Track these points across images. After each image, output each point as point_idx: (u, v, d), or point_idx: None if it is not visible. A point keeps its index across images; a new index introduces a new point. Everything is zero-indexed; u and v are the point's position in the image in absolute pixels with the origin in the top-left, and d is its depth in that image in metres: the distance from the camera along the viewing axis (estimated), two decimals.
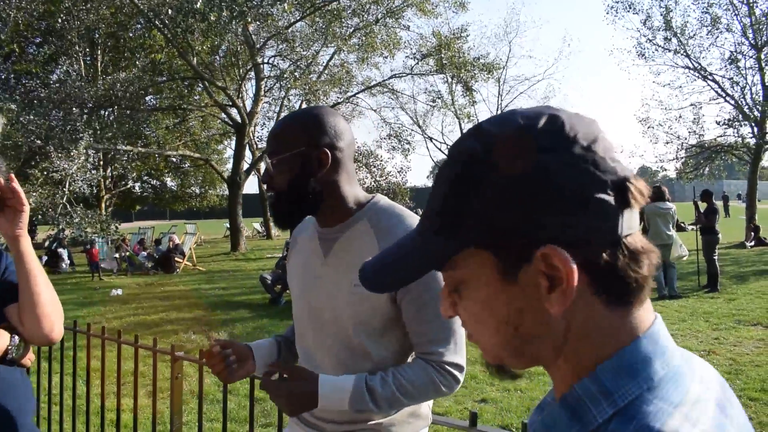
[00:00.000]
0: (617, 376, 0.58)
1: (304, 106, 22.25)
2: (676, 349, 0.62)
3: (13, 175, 1.61)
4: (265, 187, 1.53)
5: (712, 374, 0.64)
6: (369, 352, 1.46)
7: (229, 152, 29.25)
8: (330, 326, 1.50)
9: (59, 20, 17.89)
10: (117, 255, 16.36)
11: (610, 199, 0.57)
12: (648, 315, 0.62)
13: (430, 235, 0.64)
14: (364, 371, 1.45)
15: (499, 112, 29.75)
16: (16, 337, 1.66)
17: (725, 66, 20.29)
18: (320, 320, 1.51)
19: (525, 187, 0.57)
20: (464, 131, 0.64)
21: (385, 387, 1.40)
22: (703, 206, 10.66)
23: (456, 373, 1.43)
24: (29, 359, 1.74)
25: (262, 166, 1.54)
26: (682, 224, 10.26)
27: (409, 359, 1.51)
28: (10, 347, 1.64)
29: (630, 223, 0.59)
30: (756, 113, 19.57)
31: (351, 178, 1.50)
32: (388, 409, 1.43)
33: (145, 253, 16.85)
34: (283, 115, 23.09)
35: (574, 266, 0.56)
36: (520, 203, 0.57)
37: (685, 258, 9.71)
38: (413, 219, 1.48)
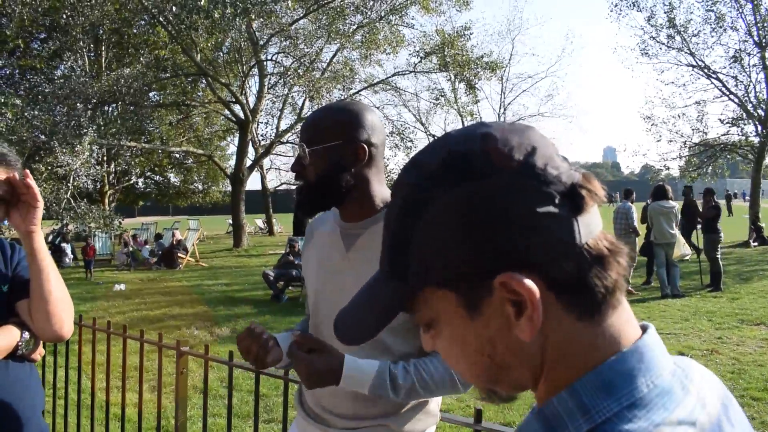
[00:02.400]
0: (596, 392, 0.55)
1: (307, 103, 22.27)
2: (668, 365, 0.58)
3: (28, 171, 1.63)
4: (294, 174, 1.52)
5: (712, 388, 0.61)
6: (389, 347, 1.47)
7: (232, 148, 29.29)
8: None
9: (64, 16, 17.90)
10: (125, 250, 16.39)
11: (558, 210, 0.54)
12: (633, 326, 0.59)
13: (384, 281, 0.63)
14: (383, 357, 1.46)
15: (502, 110, 29.74)
16: (26, 333, 1.67)
17: (729, 64, 20.24)
18: (336, 312, 1.51)
19: (467, 218, 0.55)
20: (404, 165, 0.62)
21: (407, 377, 1.41)
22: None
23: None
24: (39, 354, 1.75)
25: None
26: (685, 224, 10.22)
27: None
28: (20, 343, 1.65)
29: (589, 228, 0.56)
30: (760, 112, 19.52)
31: (381, 176, 1.52)
32: (404, 398, 1.44)
33: (148, 248, 16.89)
34: (286, 111, 23.22)
35: (535, 289, 0.54)
36: (466, 235, 0.55)
37: (688, 257, 9.70)
38: None
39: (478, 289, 0.56)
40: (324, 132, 1.46)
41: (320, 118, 1.48)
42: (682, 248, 9.49)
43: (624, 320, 0.58)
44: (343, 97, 22.66)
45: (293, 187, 1.54)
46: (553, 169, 0.56)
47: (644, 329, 0.60)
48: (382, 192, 1.52)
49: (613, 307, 0.57)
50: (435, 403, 1.59)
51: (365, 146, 1.46)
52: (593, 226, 0.57)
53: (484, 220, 0.54)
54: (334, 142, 1.45)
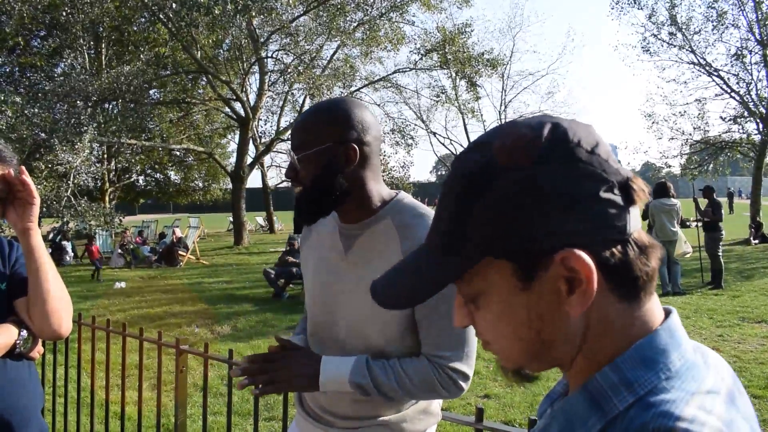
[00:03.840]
0: (637, 367, 0.60)
1: (308, 100, 22.25)
2: (689, 341, 0.64)
3: (24, 168, 1.61)
4: (290, 182, 1.50)
5: (724, 366, 0.67)
6: (384, 350, 1.45)
7: (233, 146, 29.26)
8: (345, 322, 1.48)
9: (63, 13, 17.89)
10: (120, 251, 16.37)
11: (617, 198, 0.60)
12: (660, 309, 0.65)
13: (440, 253, 0.65)
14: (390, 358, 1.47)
15: (503, 107, 29.72)
16: (25, 331, 1.66)
17: (731, 62, 20.21)
18: (336, 314, 1.50)
19: (537, 197, 0.59)
20: (466, 146, 0.65)
21: (386, 372, 1.40)
22: (703, 203, 10.62)
23: (458, 379, 1.40)
24: (38, 352, 1.74)
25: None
26: (688, 222, 10.21)
27: None
28: (18, 341, 1.64)
29: (636, 221, 0.62)
30: (761, 109, 19.49)
31: (376, 174, 1.48)
32: (386, 394, 1.42)
33: (148, 247, 16.89)
34: (287, 109, 23.21)
35: (593, 266, 0.58)
36: (535, 212, 0.59)
37: (689, 255, 9.69)
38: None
39: (536, 262, 0.60)
40: (312, 136, 1.41)
41: (308, 122, 1.43)
42: (683, 245, 9.47)
43: (655, 304, 0.64)
44: (343, 94, 22.67)
45: (293, 185, 1.52)
46: (613, 162, 0.61)
47: (668, 312, 0.66)
48: (379, 190, 1.48)
49: (650, 294, 0.63)
50: (436, 403, 1.58)
51: (356, 146, 1.41)
52: (638, 221, 0.62)
53: (553, 201, 0.59)
54: (324, 145, 1.40)
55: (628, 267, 0.60)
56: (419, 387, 1.40)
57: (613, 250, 0.60)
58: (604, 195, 0.59)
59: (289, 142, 1.49)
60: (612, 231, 0.60)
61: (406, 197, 1.52)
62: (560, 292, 0.60)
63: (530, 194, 0.59)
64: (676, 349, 0.61)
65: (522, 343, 0.64)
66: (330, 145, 1.40)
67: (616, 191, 0.60)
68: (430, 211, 1.48)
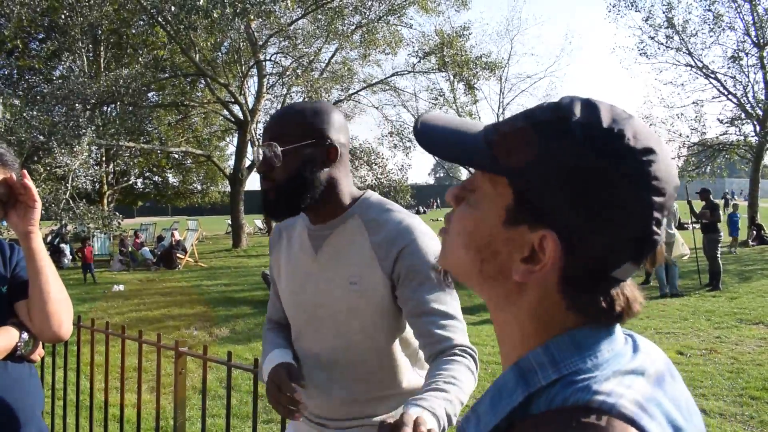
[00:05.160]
0: (566, 350, 0.62)
1: None
2: (622, 336, 0.66)
3: (25, 172, 1.62)
4: (260, 171, 1.44)
5: (658, 354, 0.69)
6: (369, 345, 1.46)
7: (231, 149, 29.24)
8: (326, 322, 1.48)
9: (62, 16, 17.89)
10: (120, 255, 16.35)
11: (628, 244, 0.60)
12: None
13: (487, 141, 0.66)
14: (365, 363, 1.46)
15: (501, 110, 29.69)
16: (25, 333, 1.67)
17: (727, 64, 20.26)
18: (316, 317, 1.50)
19: (584, 182, 0.59)
20: (572, 97, 0.64)
21: (448, 400, 1.25)
22: (698, 205, 10.63)
23: (472, 353, 1.38)
24: (39, 354, 1.74)
25: (259, 153, 1.42)
26: (686, 224, 10.22)
27: (419, 355, 1.51)
28: (19, 344, 1.65)
29: (625, 274, 0.62)
30: (758, 111, 19.54)
31: (348, 175, 1.49)
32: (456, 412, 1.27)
33: (147, 249, 16.88)
34: None
35: (555, 263, 0.61)
36: (570, 187, 0.59)
37: (686, 257, 9.70)
38: (403, 213, 1.47)
39: (529, 217, 0.62)
40: (295, 130, 1.41)
41: (290, 116, 1.43)
42: (680, 247, 9.49)
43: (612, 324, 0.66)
44: (341, 97, 22.68)
45: (265, 179, 1.49)
46: (655, 223, 0.60)
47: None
48: (350, 190, 1.49)
49: (599, 323, 0.64)
50: None
51: (337, 146, 1.43)
52: (627, 276, 0.63)
53: (592, 196, 0.59)
54: (306, 140, 1.41)
55: (589, 294, 0.62)
56: (465, 378, 1.32)
57: (585, 272, 0.61)
58: (623, 233, 0.59)
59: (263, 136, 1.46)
60: (599, 259, 0.60)
61: (373, 195, 1.52)
62: (520, 252, 0.63)
63: (578, 173, 0.59)
64: (607, 342, 0.63)
65: (464, 257, 0.68)
66: (313, 142, 1.41)
67: (634, 240, 0.60)
68: (396, 206, 1.49)
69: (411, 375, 1.52)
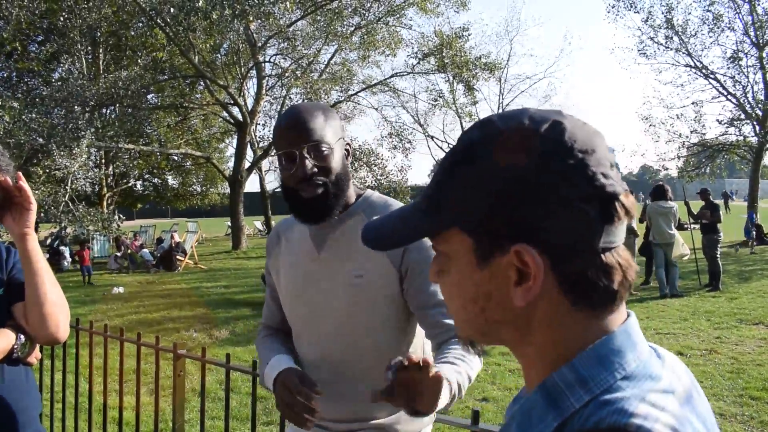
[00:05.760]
0: (593, 366, 0.61)
1: None
2: (645, 344, 0.66)
3: (20, 174, 1.62)
4: (309, 177, 1.39)
5: (681, 368, 0.68)
6: (372, 343, 1.46)
7: (231, 150, 29.24)
8: (328, 321, 1.48)
9: (61, 18, 17.90)
10: (119, 254, 16.35)
11: (592, 211, 0.60)
12: (621, 314, 0.65)
13: (420, 211, 0.68)
14: (367, 361, 1.45)
15: (500, 110, 29.74)
16: (22, 336, 1.66)
17: (727, 64, 20.28)
18: (316, 316, 1.50)
19: (512, 184, 0.60)
20: (474, 121, 0.67)
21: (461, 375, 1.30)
22: (696, 206, 10.61)
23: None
24: (36, 357, 1.74)
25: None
26: (685, 225, 10.22)
27: (427, 347, 1.52)
28: (15, 346, 1.64)
29: (610, 238, 0.61)
30: (758, 112, 19.55)
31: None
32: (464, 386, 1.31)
33: (147, 251, 16.87)
34: None
35: (542, 267, 0.60)
36: (505, 198, 0.60)
37: (686, 257, 9.70)
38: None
39: (495, 246, 0.62)
40: (333, 128, 1.44)
41: (322, 114, 1.43)
42: (680, 248, 9.48)
43: (618, 313, 0.65)
44: (340, 98, 22.68)
45: (311, 179, 1.47)
46: (601, 176, 0.60)
47: (627, 315, 0.67)
48: (355, 189, 1.53)
49: (609, 308, 0.63)
50: None
51: (350, 145, 1.48)
52: (615, 238, 0.62)
53: (527, 192, 0.60)
54: (340, 138, 1.45)
55: (585, 280, 0.61)
56: (473, 357, 1.34)
57: (572, 259, 0.60)
58: (577, 204, 0.59)
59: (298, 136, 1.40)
60: (577, 241, 0.60)
61: (375, 194, 1.54)
62: (509, 280, 0.62)
63: (506, 181, 0.60)
64: (632, 351, 0.62)
65: (467, 314, 0.67)
66: (342, 139, 1.46)
67: (593, 204, 0.60)
68: (398, 203, 1.50)
69: None
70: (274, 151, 1.46)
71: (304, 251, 1.53)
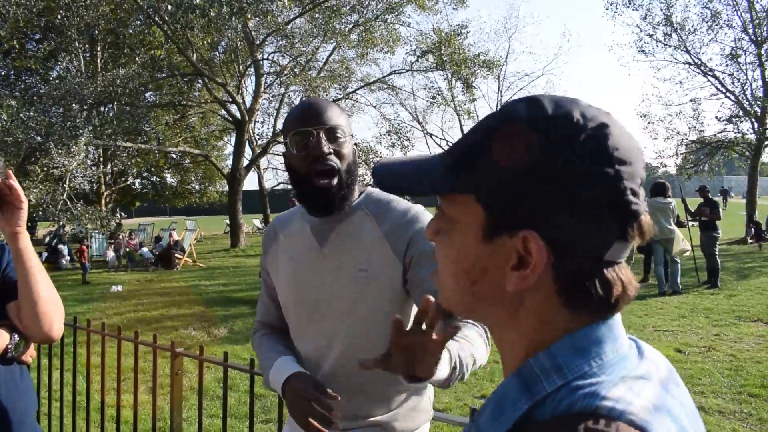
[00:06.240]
0: (569, 354, 0.61)
1: None
2: (626, 339, 0.65)
3: (11, 172, 1.61)
4: (326, 154, 1.39)
5: (661, 359, 0.68)
6: (374, 336, 1.45)
7: (229, 148, 29.18)
8: (331, 316, 1.48)
9: (59, 17, 17.85)
10: (116, 253, 16.33)
11: (611, 223, 0.59)
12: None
13: (443, 166, 0.66)
14: (373, 352, 1.39)
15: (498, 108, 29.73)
16: (16, 335, 1.66)
17: (725, 62, 20.27)
18: (319, 312, 1.49)
19: (543, 172, 0.59)
20: (524, 97, 0.65)
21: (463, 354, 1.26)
22: (693, 203, 10.62)
23: (485, 327, 1.39)
24: (30, 356, 1.73)
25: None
26: (683, 222, 10.22)
27: None
28: (10, 345, 1.64)
29: (617, 253, 0.61)
30: (756, 109, 19.55)
31: None
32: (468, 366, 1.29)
33: (145, 249, 16.86)
34: (283, 111, 23.20)
35: (543, 260, 0.60)
36: (531, 183, 0.59)
37: (687, 253, 9.70)
38: (407, 202, 1.51)
39: (506, 226, 0.61)
40: (345, 121, 1.46)
41: (334, 107, 1.46)
42: (681, 243, 9.49)
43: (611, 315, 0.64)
44: (339, 96, 22.66)
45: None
46: (631, 192, 0.60)
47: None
48: (358, 186, 1.54)
49: (596, 315, 0.63)
50: (426, 400, 1.58)
51: (357, 146, 1.51)
52: (620, 255, 0.62)
53: (554, 184, 0.59)
54: (350, 133, 1.47)
55: (581, 285, 0.61)
56: (477, 340, 1.33)
57: (576, 262, 0.60)
58: (601, 212, 0.59)
59: (314, 120, 1.41)
60: (586, 248, 0.59)
61: (376, 190, 1.54)
62: (508, 262, 0.62)
63: (540, 168, 0.59)
64: (611, 342, 0.62)
65: (457, 284, 0.67)
66: (352, 136, 1.48)
67: (614, 216, 0.59)
68: (400, 198, 1.52)
69: None
70: (283, 140, 1.43)
71: (305, 246, 1.52)
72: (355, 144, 1.51)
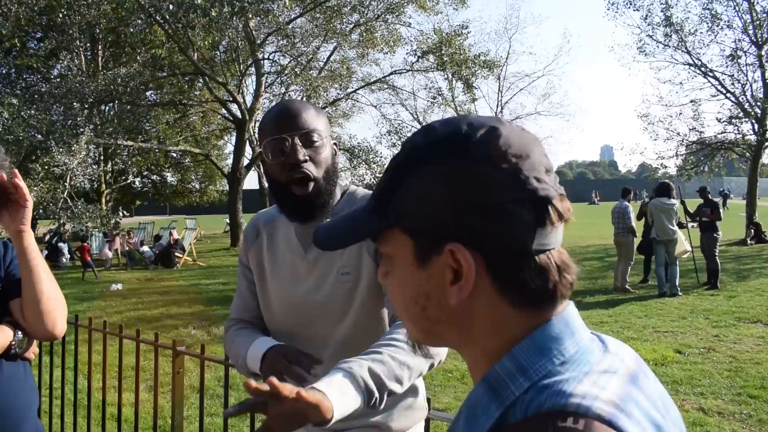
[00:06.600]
0: (531, 354, 0.63)
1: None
2: (586, 331, 0.67)
3: (16, 171, 1.62)
4: (301, 162, 1.35)
5: (627, 351, 0.69)
6: (364, 335, 1.45)
7: (230, 148, 29.18)
8: (318, 320, 1.47)
9: (60, 15, 17.86)
10: (107, 248, 16.33)
11: (524, 214, 0.62)
12: (560, 307, 0.66)
13: (367, 212, 0.71)
14: (364, 347, 1.33)
15: (499, 109, 29.77)
16: (20, 332, 1.67)
17: (726, 63, 20.26)
18: (306, 316, 1.48)
19: (448, 187, 0.62)
20: (412, 134, 0.71)
21: (386, 373, 1.22)
22: (692, 205, 10.62)
23: None
24: (33, 353, 1.75)
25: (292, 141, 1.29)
26: (683, 223, 10.22)
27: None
28: (13, 342, 1.65)
29: (544, 240, 0.63)
30: (756, 110, 19.53)
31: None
32: (395, 389, 1.25)
33: (146, 248, 16.86)
34: None
35: (473, 265, 0.62)
36: (441, 200, 0.63)
37: (687, 254, 9.70)
38: None
39: (432, 246, 0.64)
40: (323, 123, 1.42)
41: (312, 110, 1.42)
42: (684, 244, 9.50)
43: (556, 307, 0.66)
44: (339, 96, 22.66)
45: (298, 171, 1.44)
46: (534, 180, 0.63)
47: (566, 305, 0.68)
48: (338, 190, 1.51)
49: (546, 306, 0.65)
50: (421, 398, 1.58)
51: (337, 146, 1.48)
52: (550, 240, 0.64)
53: (460, 196, 0.62)
54: (328, 135, 1.44)
55: (519, 279, 0.63)
56: (414, 365, 1.27)
57: (504, 260, 0.62)
58: (510, 207, 0.61)
59: (289, 125, 1.37)
60: (508, 243, 0.62)
61: (358, 189, 1.54)
62: (446, 279, 0.64)
63: (445, 184, 0.63)
64: (570, 337, 0.64)
65: (409, 314, 0.70)
66: (330, 137, 1.45)
67: (525, 207, 0.62)
68: None
69: None
70: (259, 146, 1.39)
71: (290, 251, 1.51)
72: (335, 144, 1.47)
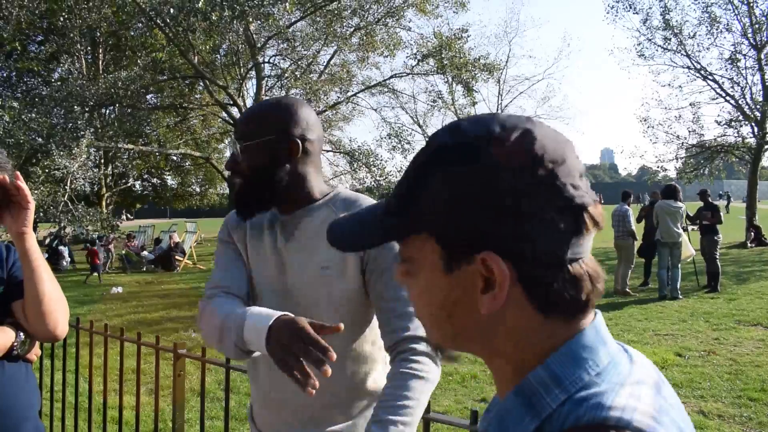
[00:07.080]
0: (566, 365, 0.61)
1: None
2: (613, 340, 0.66)
3: (18, 174, 1.63)
4: (228, 173, 1.51)
5: (647, 362, 0.69)
6: (348, 330, 1.39)
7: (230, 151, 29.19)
8: (302, 309, 1.45)
9: (61, 19, 17.89)
10: (102, 251, 16.35)
11: (560, 222, 0.60)
12: (589, 316, 0.65)
13: (390, 211, 0.68)
14: (337, 353, 1.25)
15: (499, 112, 29.77)
16: (22, 333, 1.68)
17: (725, 66, 20.29)
18: (288, 305, 1.46)
19: (481, 193, 0.60)
20: (445, 125, 0.67)
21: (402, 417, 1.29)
22: (692, 208, 10.62)
23: (425, 348, 1.35)
24: (35, 354, 1.75)
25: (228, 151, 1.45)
26: (684, 226, 10.23)
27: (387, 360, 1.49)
28: (15, 343, 1.66)
29: (578, 249, 0.61)
30: (756, 113, 19.55)
31: (318, 171, 1.51)
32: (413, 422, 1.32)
33: (146, 252, 16.86)
34: None
35: (507, 275, 0.60)
36: (474, 206, 0.60)
37: (690, 258, 9.71)
38: (372, 201, 1.48)
39: (463, 253, 0.62)
40: (257, 127, 1.45)
41: (254, 114, 1.48)
42: (688, 247, 9.50)
43: (585, 318, 0.65)
44: (340, 99, 22.69)
45: (232, 177, 1.52)
46: (571, 187, 0.60)
47: (594, 314, 0.67)
48: (320, 186, 1.51)
49: (575, 316, 0.63)
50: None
51: (299, 141, 1.44)
52: (583, 249, 0.62)
53: (496, 201, 0.59)
54: (267, 137, 1.43)
55: (552, 290, 0.61)
56: (420, 398, 1.32)
57: (540, 270, 0.60)
58: (547, 215, 0.59)
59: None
60: (543, 252, 0.60)
61: (345, 191, 1.54)
62: (476, 288, 0.62)
63: (477, 189, 0.60)
64: (602, 347, 0.63)
65: (434, 320, 0.67)
66: (273, 137, 1.43)
67: (562, 215, 0.60)
68: (368, 198, 1.51)
69: (379, 375, 1.51)
70: None
71: (272, 240, 1.52)
72: (300, 140, 1.44)
